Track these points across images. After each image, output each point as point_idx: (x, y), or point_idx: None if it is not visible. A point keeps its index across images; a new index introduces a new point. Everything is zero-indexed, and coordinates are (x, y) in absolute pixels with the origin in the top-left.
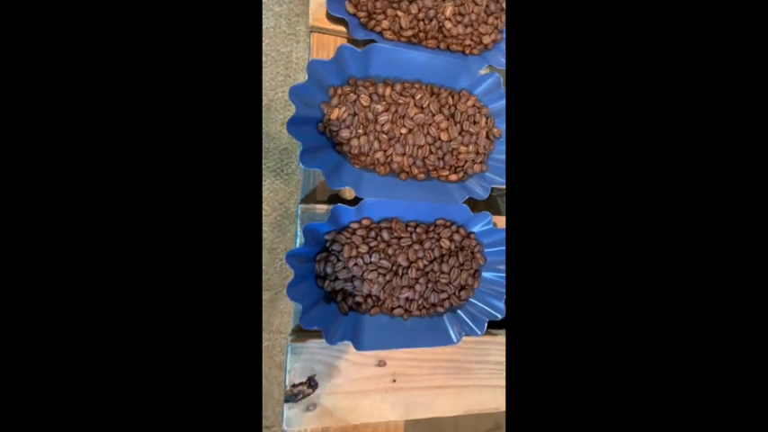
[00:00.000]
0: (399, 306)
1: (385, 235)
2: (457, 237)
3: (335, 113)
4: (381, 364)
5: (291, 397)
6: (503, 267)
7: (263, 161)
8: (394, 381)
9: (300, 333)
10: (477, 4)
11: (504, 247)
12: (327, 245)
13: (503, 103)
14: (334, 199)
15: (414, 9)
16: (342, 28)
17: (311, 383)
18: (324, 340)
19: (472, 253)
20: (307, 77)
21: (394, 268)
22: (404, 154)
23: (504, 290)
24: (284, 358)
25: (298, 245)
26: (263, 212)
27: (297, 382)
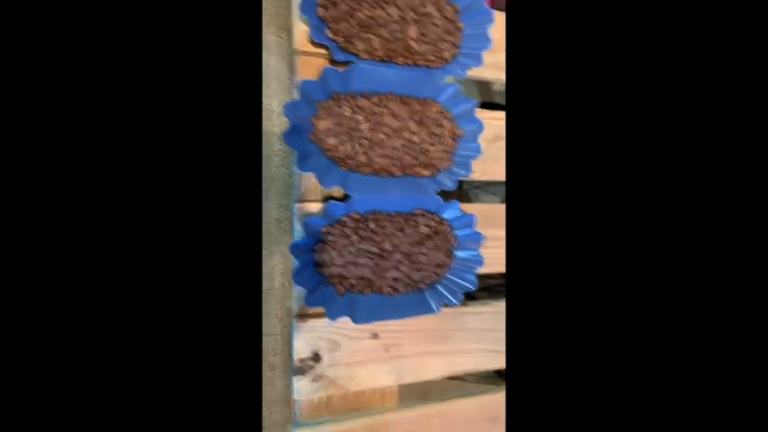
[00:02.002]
0: (388, 285)
1: (372, 225)
2: (432, 223)
3: (323, 124)
4: (375, 336)
5: (299, 370)
6: (472, 246)
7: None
8: (387, 351)
9: (303, 315)
10: (436, 26)
11: (473, 229)
12: (323, 236)
13: (463, 107)
14: (326, 197)
15: (384, 33)
16: (322, 50)
17: (316, 357)
18: (323, 319)
19: (446, 236)
20: (299, 96)
21: (381, 253)
22: (383, 156)
23: (474, 265)
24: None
25: (297, 238)
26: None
27: (303, 357)
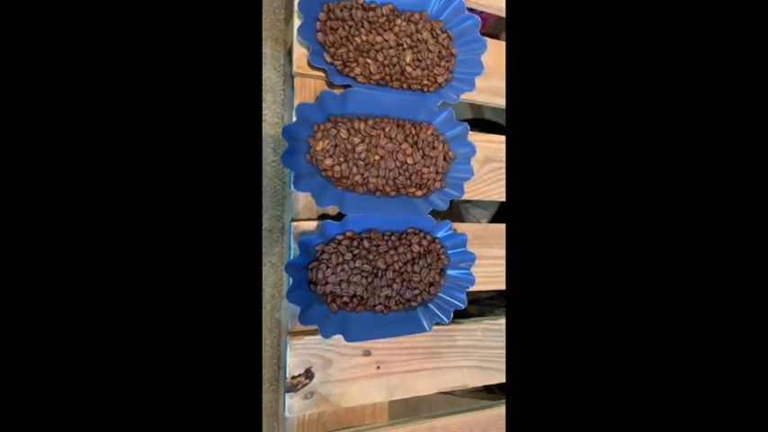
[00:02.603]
0: (380, 303)
1: (366, 243)
2: (424, 242)
3: (320, 146)
4: (367, 353)
5: (292, 387)
6: (464, 265)
7: None
8: (378, 368)
9: (297, 333)
10: (430, 51)
11: (465, 248)
12: (318, 255)
13: (455, 131)
14: (321, 216)
15: (380, 57)
16: (320, 73)
17: (308, 374)
18: (317, 336)
19: (438, 255)
20: (296, 118)
21: (374, 271)
22: (378, 176)
23: (466, 284)
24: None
25: (292, 256)
26: None
27: (296, 374)
